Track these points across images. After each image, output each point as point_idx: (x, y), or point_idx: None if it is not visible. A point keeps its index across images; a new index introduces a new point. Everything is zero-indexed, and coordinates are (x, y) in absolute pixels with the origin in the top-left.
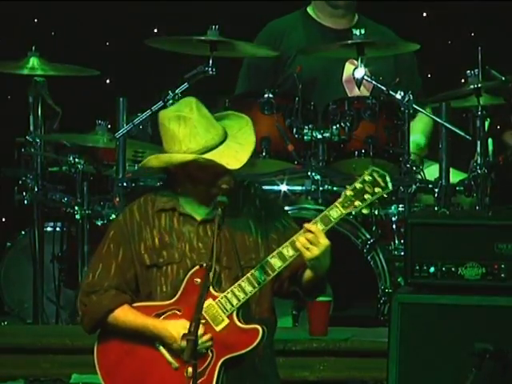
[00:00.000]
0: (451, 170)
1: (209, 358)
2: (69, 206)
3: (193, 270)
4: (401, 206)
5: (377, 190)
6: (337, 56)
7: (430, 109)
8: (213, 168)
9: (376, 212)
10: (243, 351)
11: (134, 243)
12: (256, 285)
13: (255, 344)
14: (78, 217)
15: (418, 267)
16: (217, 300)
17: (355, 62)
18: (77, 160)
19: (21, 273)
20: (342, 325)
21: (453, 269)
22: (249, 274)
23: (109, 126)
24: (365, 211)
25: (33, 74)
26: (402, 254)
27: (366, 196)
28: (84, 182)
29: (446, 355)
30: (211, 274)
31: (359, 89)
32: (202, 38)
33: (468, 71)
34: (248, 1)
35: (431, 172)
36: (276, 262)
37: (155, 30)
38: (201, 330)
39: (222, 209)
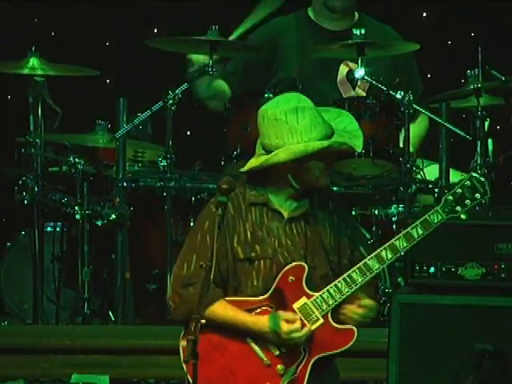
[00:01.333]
0: (451, 170)
1: (301, 356)
2: (69, 206)
3: (288, 267)
4: (401, 206)
5: (476, 195)
6: (337, 57)
7: (426, 117)
8: (327, 157)
9: (376, 212)
10: (337, 351)
11: (229, 236)
12: (353, 286)
13: (350, 344)
14: (77, 217)
15: (417, 267)
16: (312, 299)
17: (349, 63)
18: (77, 160)
19: (21, 273)
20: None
21: (453, 269)
22: (346, 275)
23: (109, 126)
24: (463, 216)
25: (33, 74)
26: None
27: (467, 201)
28: (84, 182)
29: (446, 355)
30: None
31: (354, 90)
32: (202, 38)
33: (468, 71)
34: (248, 1)
35: (431, 172)
36: (374, 264)
37: (155, 30)
38: (297, 325)
39: (223, 209)
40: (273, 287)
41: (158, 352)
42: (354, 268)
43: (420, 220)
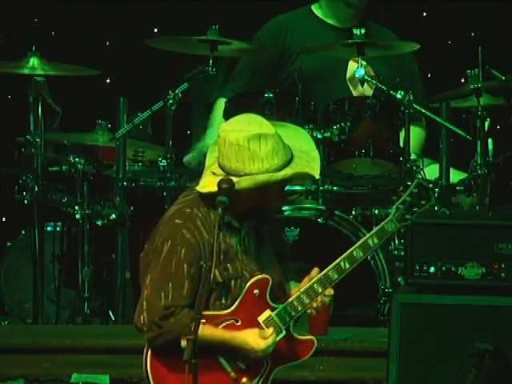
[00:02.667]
0: (451, 169)
1: (264, 367)
2: (69, 206)
3: (253, 281)
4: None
5: (423, 202)
6: (338, 55)
7: (424, 121)
8: (288, 182)
9: (376, 212)
10: (297, 361)
11: (205, 260)
12: (314, 297)
13: (310, 354)
14: (78, 217)
15: (418, 267)
16: (276, 311)
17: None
18: (77, 160)
19: (21, 273)
20: (342, 325)
21: (453, 269)
22: (307, 287)
23: (109, 126)
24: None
25: (33, 74)
26: (402, 253)
27: (415, 208)
28: (84, 181)
29: (446, 355)
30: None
31: (362, 86)
32: (202, 37)
33: (468, 71)
34: (248, 1)
35: (431, 172)
36: (333, 275)
37: (155, 30)
38: (271, 339)
39: (222, 208)
40: (238, 301)
41: None
42: (315, 279)
43: (376, 229)
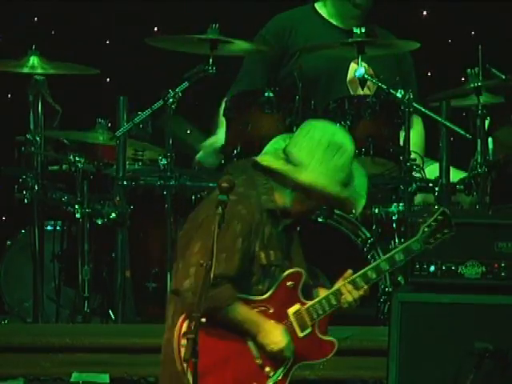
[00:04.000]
0: (451, 168)
1: (287, 361)
2: (69, 205)
3: (288, 272)
4: (401, 204)
5: (446, 230)
6: (338, 54)
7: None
8: (333, 202)
9: (376, 211)
10: (318, 360)
11: (254, 238)
12: (339, 299)
13: (330, 355)
14: (78, 215)
15: (418, 266)
16: (306, 307)
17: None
18: (77, 159)
19: (21, 272)
20: (342, 324)
21: (453, 267)
22: (335, 289)
23: (109, 125)
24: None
25: (33, 73)
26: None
27: (438, 235)
28: (84, 180)
29: (446, 354)
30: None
31: (363, 89)
32: (203, 36)
33: (468, 70)
34: (248, 1)
35: (431, 171)
36: (360, 283)
37: (155, 29)
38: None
39: (223, 208)
40: (272, 289)
41: (158, 350)
42: (341, 284)
43: (402, 246)
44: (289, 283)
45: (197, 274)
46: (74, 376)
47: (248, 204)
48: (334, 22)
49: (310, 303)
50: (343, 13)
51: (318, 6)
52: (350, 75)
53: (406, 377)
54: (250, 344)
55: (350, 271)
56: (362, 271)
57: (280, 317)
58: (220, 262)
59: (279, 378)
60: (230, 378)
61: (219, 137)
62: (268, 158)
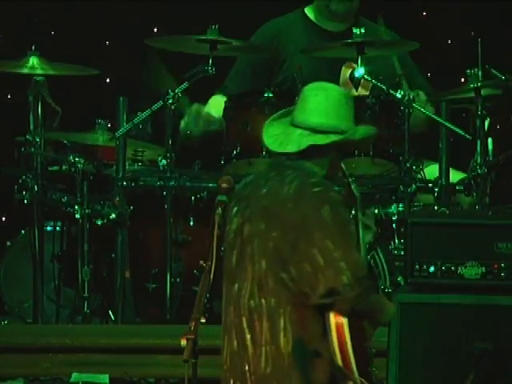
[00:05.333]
0: (451, 169)
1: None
2: (69, 206)
3: None
4: (401, 205)
5: None
6: (337, 56)
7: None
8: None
9: (376, 211)
10: None
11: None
12: None
13: None
14: (77, 216)
15: (417, 267)
16: None
17: (353, 64)
18: (77, 159)
19: (21, 272)
20: None
21: (453, 268)
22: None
23: (109, 125)
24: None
25: (33, 74)
26: (402, 253)
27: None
28: (84, 181)
29: (446, 355)
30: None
31: (356, 90)
32: (202, 37)
33: (468, 70)
34: (248, 1)
35: (431, 171)
36: None
37: (155, 30)
38: None
39: (222, 208)
40: None
41: (158, 351)
42: None
43: None
44: None
45: (350, 268)
46: (74, 376)
47: (333, 189)
48: (323, 26)
49: None
50: (327, 17)
51: (307, 10)
52: (342, 79)
53: (406, 377)
54: (366, 324)
55: None
56: None
57: None
58: (354, 262)
59: None
60: None
61: (209, 103)
62: (310, 138)
